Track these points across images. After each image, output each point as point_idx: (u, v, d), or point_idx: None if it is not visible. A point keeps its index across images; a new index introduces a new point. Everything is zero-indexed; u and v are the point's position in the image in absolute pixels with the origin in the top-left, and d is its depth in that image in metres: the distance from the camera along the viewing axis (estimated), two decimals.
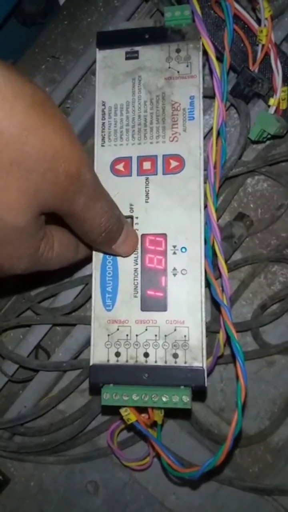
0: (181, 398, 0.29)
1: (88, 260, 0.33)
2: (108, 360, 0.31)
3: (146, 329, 0.31)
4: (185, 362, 0.30)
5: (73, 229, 0.27)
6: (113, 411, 0.32)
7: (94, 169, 0.24)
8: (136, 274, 0.31)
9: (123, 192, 0.32)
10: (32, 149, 0.21)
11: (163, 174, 0.31)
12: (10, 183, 0.21)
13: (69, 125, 0.23)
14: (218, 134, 0.32)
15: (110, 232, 0.27)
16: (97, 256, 0.32)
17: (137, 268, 0.31)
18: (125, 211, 0.32)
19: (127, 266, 0.31)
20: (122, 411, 0.31)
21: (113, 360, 0.31)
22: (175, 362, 0.30)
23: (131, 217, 0.31)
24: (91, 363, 0.31)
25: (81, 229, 0.26)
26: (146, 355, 0.30)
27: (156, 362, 0.30)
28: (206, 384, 0.29)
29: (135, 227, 0.31)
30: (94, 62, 0.35)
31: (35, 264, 0.27)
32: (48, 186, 0.22)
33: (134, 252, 0.31)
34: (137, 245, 0.31)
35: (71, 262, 0.31)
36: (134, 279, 0.31)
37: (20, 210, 0.22)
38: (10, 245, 0.24)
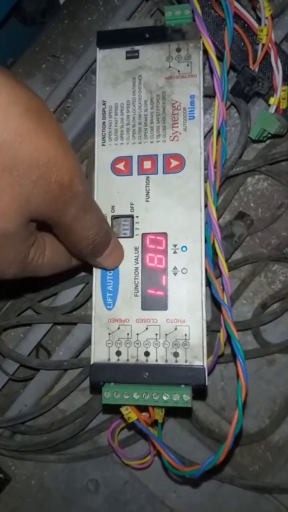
0: (182, 396, 0.29)
1: (84, 266, 0.32)
2: (108, 359, 0.31)
3: (147, 328, 0.31)
4: (186, 361, 0.30)
5: (61, 239, 0.27)
6: (114, 409, 0.32)
7: (86, 181, 0.24)
8: (136, 273, 0.31)
9: (124, 191, 0.32)
10: (25, 156, 0.21)
11: (164, 173, 0.31)
12: (1, 188, 0.21)
13: (63, 133, 0.23)
14: (219, 133, 0.32)
15: (97, 245, 0.27)
16: None
17: (137, 267, 0.31)
18: (126, 210, 0.32)
19: (127, 265, 0.31)
20: (123, 409, 0.31)
21: (113, 359, 0.31)
22: (176, 361, 0.30)
23: (132, 216, 0.32)
24: (91, 362, 0.31)
25: (68, 239, 0.26)
26: (146, 354, 0.30)
27: (156, 361, 0.30)
28: (206, 383, 0.29)
29: (135, 226, 0.31)
30: (95, 61, 0.35)
31: (24, 270, 0.26)
32: (40, 193, 0.22)
33: (135, 252, 0.31)
34: (122, 260, 0.31)
35: (64, 269, 0.31)
36: (135, 278, 0.31)
37: (10, 215, 0.22)
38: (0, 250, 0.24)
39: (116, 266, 0.31)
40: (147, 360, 0.30)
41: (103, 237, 0.28)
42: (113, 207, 0.32)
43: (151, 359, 0.30)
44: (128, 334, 0.31)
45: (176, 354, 0.30)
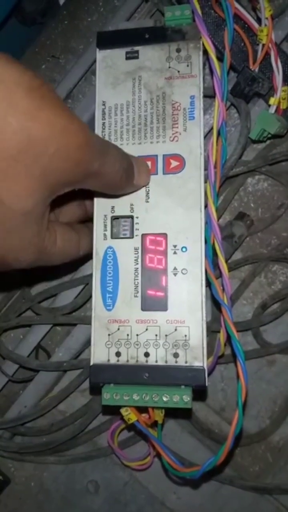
0: (182, 397, 0.29)
1: (89, 257, 0.33)
2: (108, 360, 0.31)
3: (147, 329, 0.31)
4: (186, 362, 0.30)
5: (96, 189, 0.28)
6: (113, 410, 0.32)
7: (91, 130, 0.25)
8: (136, 274, 0.31)
9: None
10: (38, 134, 0.21)
11: (164, 174, 0.31)
12: (18, 170, 0.22)
13: (64, 103, 0.24)
14: (219, 133, 0.32)
15: (126, 170, 0.28)
16: (97, 256, 0.32)
17: (137, 268, 0.31)
18: (126, 211, 0.32)
19: (127, 266, 0.31)
20: (122, 410, 0.31)
21: (113, 360, 0.31)
22: (176, 362, 0.30)
23: (131, 217, 0.32)
24: (91, 363, 0.31)
25: (104, 184, 0.27)
26: (146, 354, 0.30)
27: (156, 361, 0.30)
28: (206, 384, 0.29)
29: (135, 226, 0.31)
30: (94, 62, 0.35)
31: (39, 257, 0.27)
32: (59, 164, 0.23)
33: (135, 252, 0.31)
34: (150, 170, 0.31)
35: (74, 258, 0.31)
36: (135, 279, 0.31)
37: (28, 194, 0.23)
38: (16, 233, 0.24)
39: (149, 178, 0.31)
40: (147, 361, 0.30)
41: (127, 161, 0.29)
42: (113, 207, 0.32)
43: (151, 360, 0.30)
44: (128, 335, 0.31)
45: (176, 355, 0.30)
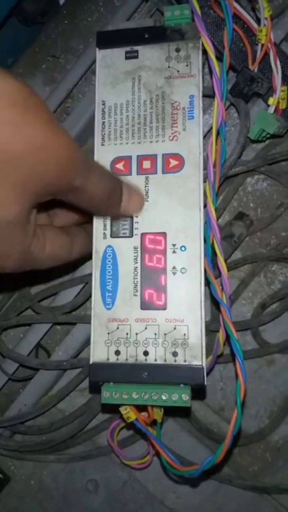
0: (181, 396, 0.29)
1: (87, 258, 0.33)
2: (108, 359, 0.31)
3: (146, 328, 0.31)
4: (185, 361, 0.30)
5: (77, 204, 0.27)
6: (113, 409, 0.32)
7: (79, 147, 0.25)
8: (136, 273, 0.31)
9: None
10: (18, 147, 0.21)
11: (163, 173, 0.31)
12: (0, 179, 0.22)
13: (52, 116, 0.23)
14: (218, 133, 0.32)
15: (111, 193, 0.28)
16: (97, 255, 0.32)
17: (137, 267, 0.31)
18: None
19: (127, 265, 0.31)
20: (122, 409, 0.31)
21: (113, 358, 0.31)
22: (175, 361, 0.30)
23: (131, 216, 0.32)
24: (91, 362, 0.31)
25: (84, 201, 0.27)
26: (145, 353, 0.30)
27: (155, 360, 0.30)
28: (205, 383, 0.29)
29: (134, 226, 0.31)
30: (94, 61, 0.35)
31: (24, 263, 0.27)
32: (40, 177, 0.23)
33: (134, 251, 0.31)
34: (143, 201, 0.31)
35: (64, 261, 0.31)
36: (134, 278, 0.31)
37: (10, 203, 0.23)
38: (1, 242, 0.25)
39: (141, 209, 0.31)
40: (146, 360, 0.30)
41: (113, 185, 0.28)
42: None
43: (150, 359, 0.30)
44: (127, 333, 0.31)
45: (175, 354, 0.30)
